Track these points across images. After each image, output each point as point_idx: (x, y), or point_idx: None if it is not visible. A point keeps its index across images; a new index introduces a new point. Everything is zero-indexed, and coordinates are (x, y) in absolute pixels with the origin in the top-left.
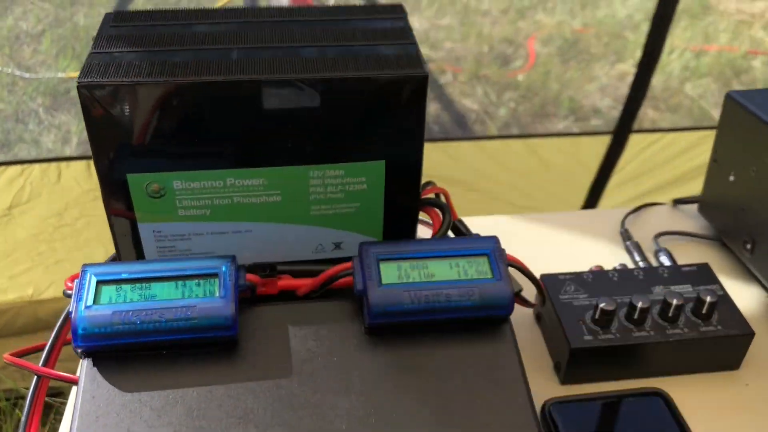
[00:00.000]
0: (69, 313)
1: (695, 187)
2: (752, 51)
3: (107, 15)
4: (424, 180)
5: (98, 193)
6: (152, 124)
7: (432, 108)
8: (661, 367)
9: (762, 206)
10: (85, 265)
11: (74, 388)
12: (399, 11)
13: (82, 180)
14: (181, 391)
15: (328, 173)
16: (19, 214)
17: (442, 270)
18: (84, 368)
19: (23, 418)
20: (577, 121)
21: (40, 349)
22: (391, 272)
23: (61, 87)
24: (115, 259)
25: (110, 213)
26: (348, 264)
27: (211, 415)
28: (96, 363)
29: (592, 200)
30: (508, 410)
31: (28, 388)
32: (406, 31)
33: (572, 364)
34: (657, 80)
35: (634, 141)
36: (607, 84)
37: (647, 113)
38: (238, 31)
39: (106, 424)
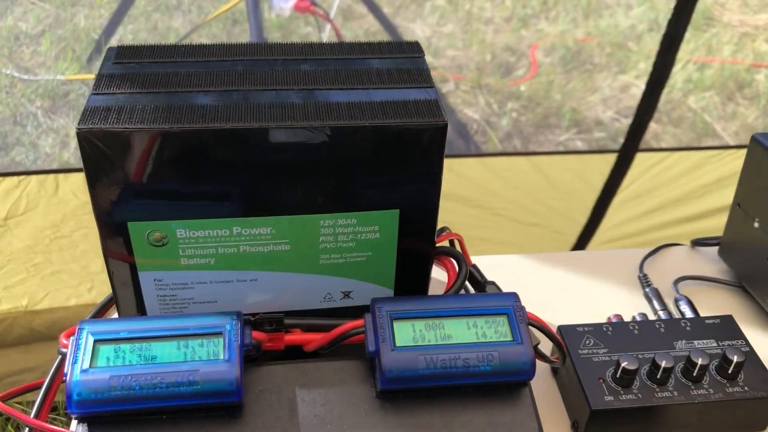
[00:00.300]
0: (61, 364)
1: (699, 206)
2: (756, 64)
3: (110, 50)
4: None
5: None
6: (155, 172)
7: None
8: (683, 428)
9: None
10: (81, 323)
11: None
12: (417, 50)
13: (79, 192)
14: None
15: (340, 222)
16: (15, 225)
17: (459, 331)
18: None
19: None
20: (580, 133)
21: (31, 389)
22: (405, 333)
23: (60, 90)
24: (111, 301)
25: (108, 259)
26: (360, 322)
27: None
28: (92, 430)
29: (595, 218)
30: None
31: (22, 404)
32: (424, 73)
33: (592, 425)
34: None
35: (640, 160)
36: (609, 96)
37: (650, 126)
38: (246, 71)
39: None
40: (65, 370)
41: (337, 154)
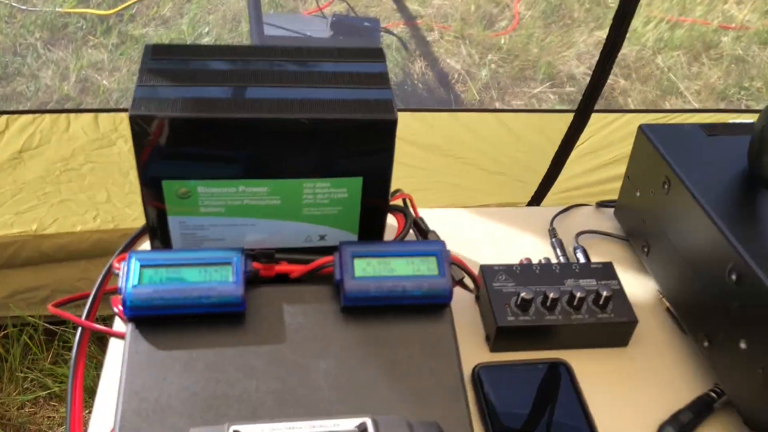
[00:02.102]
0: (105, 278)
1: None
2: (723, 26)
3: (146, 47)
4: (393, 188)
5: (103, 142)
6: (184, 145)
7: (418, 66)
8: (566, 343)
9: (654, 221)
10: (131, 252)
11: (112, 341)
12: (379, 55)
13: (89, 130)
14: (202, 351)
15: (318, 185)
16: (28, 158)
17: (400, 267)
18: (129, 330)
19: (71, 367)
20: (553, 87)
21: (77, 299)
22: (362, 267)
23: (58, 21)
24: (140, 234)
25: (146, 206)
26: (331, 258)
27: (223, 370)
28: (138, 327)
29: (554, 169)
30: (444, 373)
31: (34, 317)
32: (384, 76)
33: (498, 338)
34: (631, 50)
35: (596, 119)
36: (584, 51)
37: (618, 82)
38: (253, 70)
39: (146, 373)
40: (120, 285)
41: (318, 136)
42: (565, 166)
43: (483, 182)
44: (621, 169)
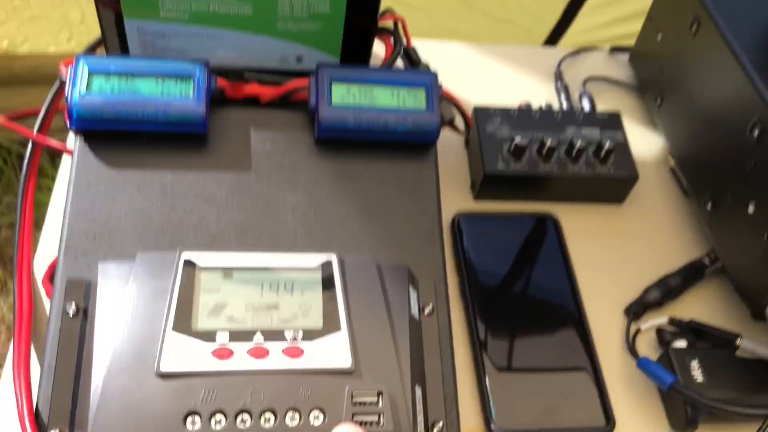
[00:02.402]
0: (59, 90)
1: None
2: None
3: None
4: (383, 8)
5: None
6: None
7: None
8: (558, 196)
9: (674, 70)
10: (78, 56)
11: (65, 157)
12: None
13: None
14: (158, 172)
15: None
16: None
17: (384, 97)
18: (77, 144)
19: (21, 183)
20: None
21: (33, 113)
22: (341, 93)
23: None
24: (99, 43)
25: (99, 6)
26: (306, 80)
27: (181, 195)
28: (87, 141)
29: (565, 20)
30: (421, 217)
31: (7, 140)
32: None
33: (484, 185)
34: None
35: None
36: None
37: None
38: None
39: (95, 192)
40: (66, 93)
41: None
42: (579, 16)
43: (486, 30)
44: (641, 24)
